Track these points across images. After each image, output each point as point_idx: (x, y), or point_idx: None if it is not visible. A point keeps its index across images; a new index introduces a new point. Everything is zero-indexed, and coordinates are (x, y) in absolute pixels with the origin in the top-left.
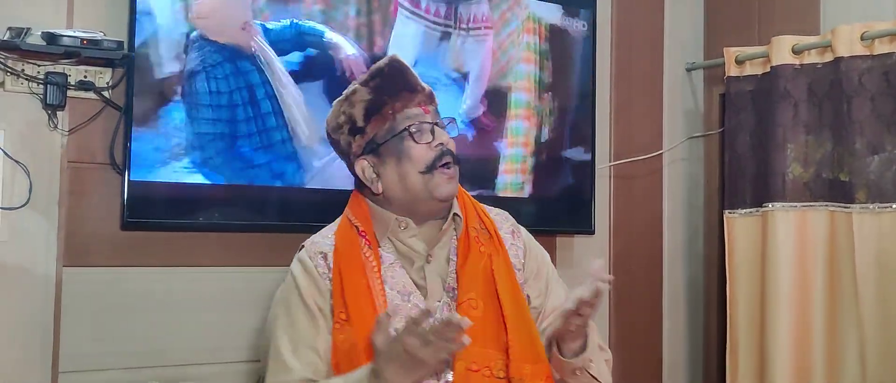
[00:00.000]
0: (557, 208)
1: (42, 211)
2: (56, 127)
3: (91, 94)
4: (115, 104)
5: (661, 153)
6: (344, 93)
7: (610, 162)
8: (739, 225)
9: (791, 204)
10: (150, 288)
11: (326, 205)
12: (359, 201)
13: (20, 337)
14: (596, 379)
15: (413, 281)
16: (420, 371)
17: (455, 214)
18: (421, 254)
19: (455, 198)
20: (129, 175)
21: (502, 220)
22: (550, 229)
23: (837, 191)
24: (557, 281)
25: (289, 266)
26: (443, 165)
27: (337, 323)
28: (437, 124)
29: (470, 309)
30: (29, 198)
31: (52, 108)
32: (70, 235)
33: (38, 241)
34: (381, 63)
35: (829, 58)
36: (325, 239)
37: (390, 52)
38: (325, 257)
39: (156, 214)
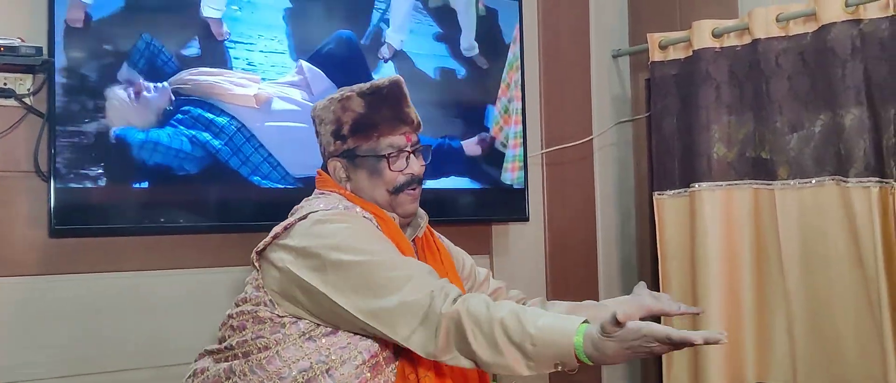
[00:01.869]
0: (492, 197)
1: None
2: None
3: (12, 102)
4: (38, 111)
5: (592, 139)
6: (339, 93)
7: (542, 149)
8: (668, 205)
9: (717, 183)
10: (82, 295)
11: (263, 206)
12: (344, 191)
13: None
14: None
15: None
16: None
17: (418, 217)
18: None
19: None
20: (54, 182)
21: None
22: (486, 218)
23: (760, 169)
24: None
25: (223, 265)
26: (409, 189)
27: None
28: (413, 152)
29: None
30: None
31: None
32: None
33: None
34: (383, 81)
35: (747, 40)
36: (350, 208)
37: None
38: (370, 218)
39: (84, 221)
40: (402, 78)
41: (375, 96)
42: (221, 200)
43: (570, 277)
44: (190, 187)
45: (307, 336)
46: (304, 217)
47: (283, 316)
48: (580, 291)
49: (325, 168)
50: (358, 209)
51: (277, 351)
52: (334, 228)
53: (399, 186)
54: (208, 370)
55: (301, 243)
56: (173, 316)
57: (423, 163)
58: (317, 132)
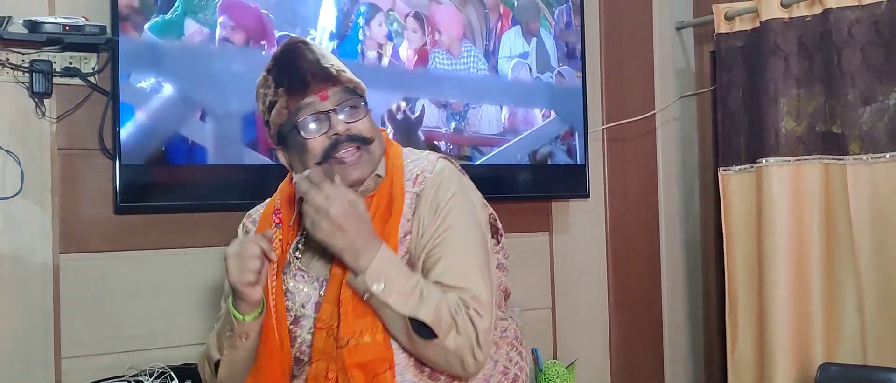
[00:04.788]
0: (552, 173)
1: (35, 199)
2: (44, 114)
3: (77, 80)
4: (102, 89)
5: (654, 113)
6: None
7: (602, 125)
8: (734, 181)
9: (785, 158)
10: (148, 271)
11: None
12: (290, 177)
13: (21, 325)
14: (389, 306)
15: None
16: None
17: (377, 175)
18: None
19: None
20: (120, 159)
21: (414, 169)
22: (546, 194)
23: (831, 144)
24: (450, 225)
25: None
26: (342, 152)
27: None
28: (335, 110)
29: (334, 268)
30: (21, 188)
31: (39, 96)
32: (65, 222)
33: (33, 230)
34: (278, 48)
35: (817, 10)
36: (256, 212)
37: None
38: (247, 234)
39: (149, 197)
40: (299, 37)
41: (276, 67)
42: (284, 177)
43: (632, 255)
44: (253, 165)
45: None
46: None
47: None
48: (642, 269)
49: None
50: (255, 215)
51: None
52: None
53: (325, 153)
54: None
55: None
56: None
57: (354, 119)
58: None
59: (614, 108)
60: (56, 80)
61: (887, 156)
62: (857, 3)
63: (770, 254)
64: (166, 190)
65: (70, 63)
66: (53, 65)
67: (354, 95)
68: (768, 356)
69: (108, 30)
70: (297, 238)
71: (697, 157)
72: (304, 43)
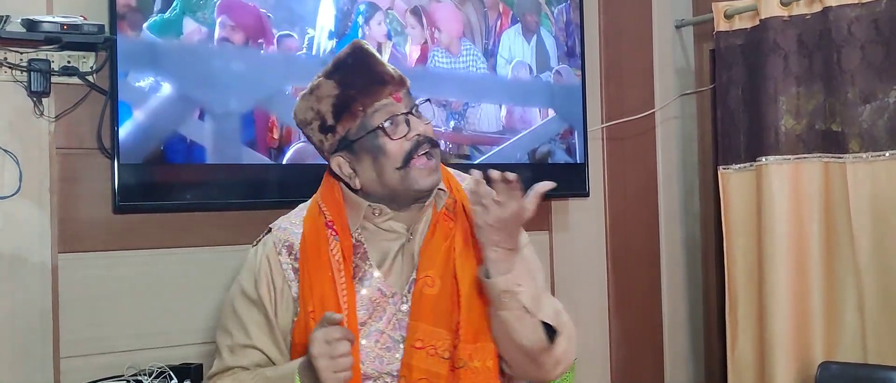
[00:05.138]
0: (552, 172)
1: (34, 198)
2: (42, 114)
3: (75, 80)
4: (100, 88)
5: (654, 112)
6: (308, 85)
7: (602, 123)
8: (734, 180)
9: (784, 157)
10: (147, 271)
11: (320, 181)
12: (331, 186)
13: (20, 325)
14: (527, 308)
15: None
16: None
17: (440, 189)
18: (401, 233)
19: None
20: (118, 159)
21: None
22: (545, 193)
23: (830, 142)
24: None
25: None
26: (422, 155)
27: (306, 317)
28: (411, 113)
29: (425, 287)
30: (20, 187)
31: (37, 95)
32: (63, 222)
33: (31, 229)
34: (344, 53)
35: (817, 8)
36: (293, 226)
37: None
38: (290, 249)
39: (148, 197)
40: (361, 40)
41: (342, 70)
42: (283, 176)
43: (631, 254)
44: (252, 164)
45: None
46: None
47: None
48: (642, 268)
49: (330, 169)
50: (295, 232)
51: None
52: (245, 262)
53: (407, 155)
54: None
55: None
56: None
57: (428, 121)
58: (308, 138)
59: (614, 107)
60: (54, 79)
61: (887, 154)
62: (856, 2)
63: (770, 252)
64: (165, 189)
65: (68, 62)
66: (51, 64)
67: (413, 99)
68: (768, 354)
69: (107, 29)
70: (362, 247)
71: (697, 156)
72: (368, 45)
